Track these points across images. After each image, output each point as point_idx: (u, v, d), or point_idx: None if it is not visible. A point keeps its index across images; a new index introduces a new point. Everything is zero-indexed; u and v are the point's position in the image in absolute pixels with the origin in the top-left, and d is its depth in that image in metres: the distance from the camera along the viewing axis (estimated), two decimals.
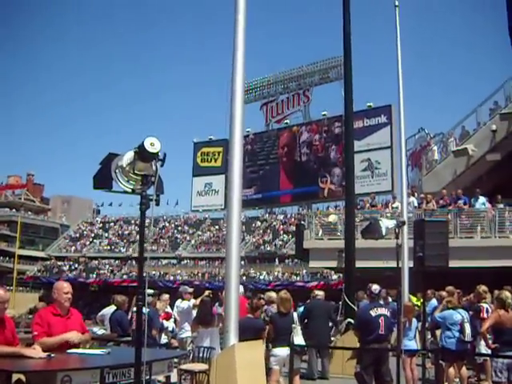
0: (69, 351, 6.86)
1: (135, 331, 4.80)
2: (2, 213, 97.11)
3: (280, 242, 64.28)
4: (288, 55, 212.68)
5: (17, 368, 6.06)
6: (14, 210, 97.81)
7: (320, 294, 15.79)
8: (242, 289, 14.42)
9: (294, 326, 10.82)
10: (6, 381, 5.36)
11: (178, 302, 14.61)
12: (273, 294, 13.26)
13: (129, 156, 4.69)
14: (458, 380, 12.74)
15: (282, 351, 10.63)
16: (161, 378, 9.23)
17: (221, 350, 10.39)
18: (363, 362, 10.62)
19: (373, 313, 10.27)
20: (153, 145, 4.44)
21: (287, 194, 66.21)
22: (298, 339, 10.86)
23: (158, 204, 4.75)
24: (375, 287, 10.80)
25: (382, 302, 19.40)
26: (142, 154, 4.51)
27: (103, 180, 4.98)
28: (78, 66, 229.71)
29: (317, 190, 62.40)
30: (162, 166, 4.62)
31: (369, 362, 10.35)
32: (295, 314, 11.51)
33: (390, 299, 18.17)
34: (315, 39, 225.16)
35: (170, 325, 14.00)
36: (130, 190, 4.79)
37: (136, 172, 4.65)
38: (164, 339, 13.19)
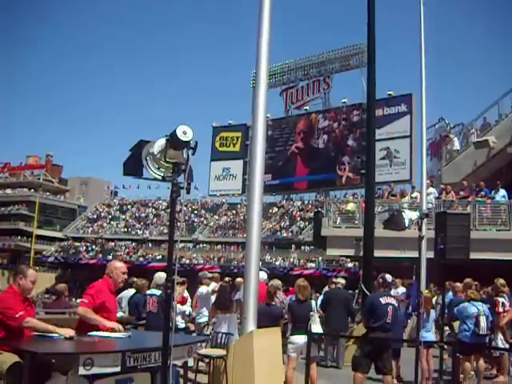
0: (91, 333, 6.93)
1: (163, 315, 4.81)
2: (21, 193, 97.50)
3: (296, 229, 64.29)
4: (309, 41, 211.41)
5: (41, 350, 6.14)
6: (32, 190, 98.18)
7: (341, 282, 15.80)
8: (265, 275, 14.43)
9: (311, 313, 10.83)
10: (30, 361, 5.42)
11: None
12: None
13: (160, 143, 4.68)
14: (473, 373, 12.76)
15: (300, 339, 10.66)
16: (179, 363, 9.32)
17: (239, 336, 10.44)
18: (364, 348, 10.50)
19: (382, 300, 10.22)
20: (185, 133, 4.43)
21: (304, 180, 65.91)
22: (316, 327, 10.86)
23: (188, 192, 4.76)
24: (388, 276, 10.78)
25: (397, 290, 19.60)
26: (174, 142, 4.50)
27: (133, 166, 4.99)
28: (101, 40, 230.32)
29: (334, 177, 62.14)
30: (193, 154, 4.61)
31: (369, 349, 10.30)
32: (313, 302, 11.51)
33: (400, 287, 18.23)
34: (337, 27, 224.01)
35: (187, 309, 14.03)
36: (160, 178, 4.80)
37: (167, 159, 4.65)
38: (182, 323, 13.22)
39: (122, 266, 7.73)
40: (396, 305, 10.34)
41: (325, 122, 64.59)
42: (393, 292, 18.86)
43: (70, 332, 6.57)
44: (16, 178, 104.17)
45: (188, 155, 4.62)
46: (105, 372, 5.53)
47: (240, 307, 11.25)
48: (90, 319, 6.96)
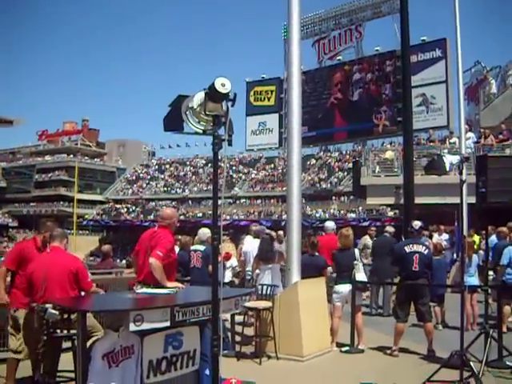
0: (138, 291, 7.07)
1: (212, 269, 4.86)
2: (60, 159, 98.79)
3: (335, 180, 64.15)
4: None
5: (92, 308, 6.31)
6: (71, 155, 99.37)
7: (389, 230, 15.75)
8: (333, 225, 14.37)
9: (355, 262, 10.87)
10: (82, 319, 5.56)
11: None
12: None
13: (199, 97, 4.68)
14: None
15: (345, 288, 10.72)
16: (227, 316, 9.46)
17: (283, 287, 10.54)
18: (398, 298, 10.73)
19: (407, 249, 10.20)
20: (224, 85, 4.43)
21: (342, 130, 65.41)
22: (360, 275, 10.92)
23: (230, 144, 4.76)
24: (416, 223, 10.72)
25: (440, 237, 19.51)
26: (213, 95, 4.49)
27: (174, 122, 5.00)
28: (135, 7, 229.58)
29: (371, 126, 61.67)
30: (232, 106, 4.61)
31: (402, 299, 10.39)
32: (356, 251, 11.53)
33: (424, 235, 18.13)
34: None
35: (233, 262, 14.12)
36: (201, 131, 4.80)
37: (207, 113, 4.65)
38: (228, 278, 13.35)
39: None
40: (425, 251, 10.23)
41: (359, 74, 63.91)
42: (436, 238, 18.92)
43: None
44: (54, 145, 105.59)
45: (228, 107, 4.62)
46: (155, 327, 5.64)
47: (281, 258, 11.34)
48: (159, 275, 7.11)
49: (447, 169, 7.83)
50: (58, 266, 7.28)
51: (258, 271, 11.06)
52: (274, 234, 12.31)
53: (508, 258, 11.88)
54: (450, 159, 7.94)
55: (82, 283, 7.43)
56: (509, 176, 9.92)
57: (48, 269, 7.17)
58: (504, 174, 9.91)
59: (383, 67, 61.66)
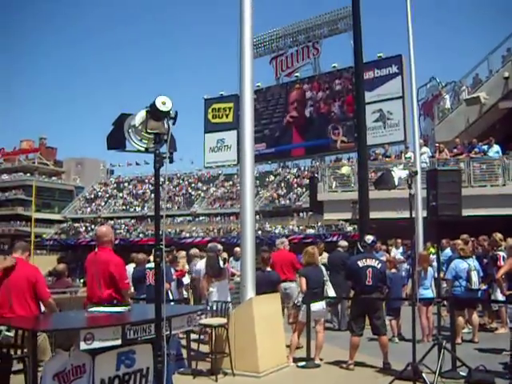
0: (90, 309, 7.03)
1: (154, 287, 4.88)
2: (17, 177, 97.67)
3: (294, 196, 64.30)
4: (296, 9, 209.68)
5: (42, 327, 6.26)
6: (28, 174, 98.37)
7: (343, 244, 15.84)
8: (282, 241, 14.48)
9: (325, 278, 10.93)
10: (32, 339, 5.53)
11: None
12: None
13: (141, 115, 4.73)
14: (470, 327, 12.93)
15: (318, 305, 10.76)
16: (180, 333, 9.43)
17: (238, 303, 10.54)
18: (352, 312, 10.83)
19: (360, 263, 10.25)
20: (164, 103, 4.48)
21: (300, 147, 65.98)
22: (331, 292, 11.01)
23: (171, 161, 4.80)
24: (369, 237, 10.77)
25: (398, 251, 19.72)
26: (154, 113, 4.55)
27: (117, 140, 5.03)
28: (91, 26, 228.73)
29: (329, 142, 62.23)
30: (173, 124, 4.65)
31: (357, 313, 10.46)
32: (323, 267, 11.57)
33: (381, 249, 18.30)
34: None
35: (187, 280, 14.13)
36: (143, 149, 4.85)
37: (148, 131, 4.69)
38: (184, 295, 13.36)
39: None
40: (378, 265, 10.28)
41: (315, 90, 64.62)
42: (394, 252, 19.11)
43: None
44: (11, 163, 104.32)
45: (169, 125, 4.67)
46: (106, 346, 5.61)
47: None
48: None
49: (396, 183, 7.94)
50: (20, 277, 7.30)
51: (211, 289, 11.02)
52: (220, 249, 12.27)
53: (453, 272, 12.14)
54: (398, 174, 8.07)
55: (39, 293, 7.53)
56: (458, 190, 10.08)
57: (10, 280, 7.21)
58: (453, 187, 10.06)
59: (342, 81, 62.36)
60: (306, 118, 65.13)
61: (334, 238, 47.04)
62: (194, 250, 15.84)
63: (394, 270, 13.50)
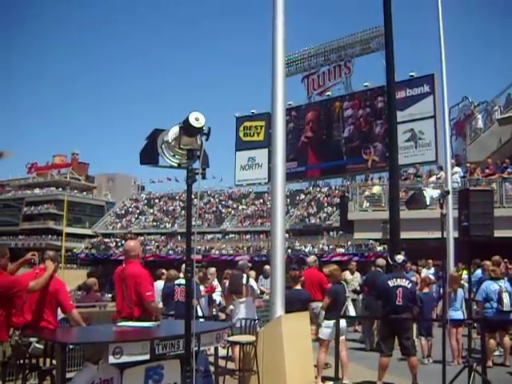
0: (119, 324, 7.06)
1: (185, 302, 4.89)
2: (49, 192, 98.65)
3: (324, 215, 64.19)
4: (328, 28, 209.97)
5: (72, 340, 6.30)
6: (60, 188, 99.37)
7: (380, 263, 15.41)
8: (313, 259, 14.45)
9: (347, 295, 10.88)
10: (62, 352, 5.55)
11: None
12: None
13: (174, 131, 4.76)
14: (501, 350, 12.73)
15: (340, 323, 10.69)
16: (208, 349, 9.41)
17: (267, 321, 10.50)
18: (381, 333, 10.82)
19: (391, 283, 10.18)
20: (197, 119, 4.51)
21: (331, 167, 65.96)
22: (351, 310, 10.96)
23: (204, 177, 4.82)
24: (399, 257, 10.71)
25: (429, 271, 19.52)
26: (187, 129, 4.57)
27: (149, 155, 5.06)
28: (126, 46, 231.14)
29: (361, 161, 62.12)
30: (206, 140, 4.67)
31: (386, 333, 10.40)
32: (345, 286, 11.52)
33: (411, 269, 18.17)
34: (356, 11, 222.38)
35: (216, 298, 14.13)
36: (175, 165, 4.88)
37: (181, 146, 4.72)
38: (213, 312, 13.34)
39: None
40: (408, 285, 10.21)
41: (349, 110, 64.67)
42: (424, 273, 18.92)
43: None
44: (43, 178, 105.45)
45: (202, 141, 4.69)
46: (134, 360, 5.62)
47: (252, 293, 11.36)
48: (158, 313, 7.37)
49: (428, 203, 7.90)
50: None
51: (231, 306, 11.01)
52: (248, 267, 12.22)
53: (484, 294, 12.00)
54: (430, 193, 8.03)
55: (62, 305, 7.61)
56: (490, 210, 9.97)
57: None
58: (486, 208, 9.95)
59: (374, 102, 62.23)
60: (339, 137, 65.09)
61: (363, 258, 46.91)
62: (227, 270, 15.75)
63: (426, 290, 13.39)
